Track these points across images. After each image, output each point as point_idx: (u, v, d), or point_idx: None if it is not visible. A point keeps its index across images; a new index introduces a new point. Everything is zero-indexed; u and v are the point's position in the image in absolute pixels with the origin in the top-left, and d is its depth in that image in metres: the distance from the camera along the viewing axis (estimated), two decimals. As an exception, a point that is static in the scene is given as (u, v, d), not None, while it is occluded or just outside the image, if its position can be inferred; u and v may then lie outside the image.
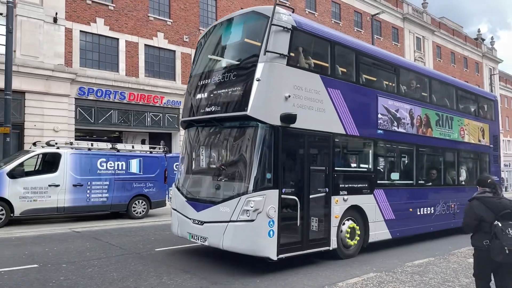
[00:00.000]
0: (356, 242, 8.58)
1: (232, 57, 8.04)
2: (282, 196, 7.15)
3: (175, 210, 8.28)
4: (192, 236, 7.69)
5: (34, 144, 13.80)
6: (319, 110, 7.88)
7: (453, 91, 12.36)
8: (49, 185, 12.14)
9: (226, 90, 7.57)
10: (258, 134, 7.14)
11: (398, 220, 9.66)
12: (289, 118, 7.11)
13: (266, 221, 6.85)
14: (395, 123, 9.74)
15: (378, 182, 9.27)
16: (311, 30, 7.99)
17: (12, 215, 11.54)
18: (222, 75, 7.79)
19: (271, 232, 6.90)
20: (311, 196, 7.70)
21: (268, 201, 6.89)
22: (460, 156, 12.36)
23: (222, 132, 7.84)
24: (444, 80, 12.18)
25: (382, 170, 9.72)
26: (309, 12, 31.81)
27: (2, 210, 11.44)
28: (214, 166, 7.92)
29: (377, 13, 29.71)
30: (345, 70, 8.83)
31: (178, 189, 8.28)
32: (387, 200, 9.38)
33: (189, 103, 8.48)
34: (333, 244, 8.05)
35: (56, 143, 13.09)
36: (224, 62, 8.07)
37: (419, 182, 10.59)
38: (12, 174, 11.58)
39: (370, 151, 9.21)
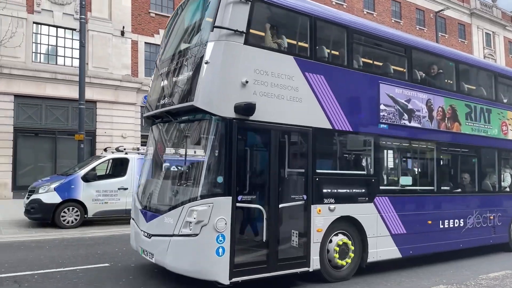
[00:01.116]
0: (349, 261, 6.98)
1: (189, 40, 6.83)
2: (238, 205, 5.81)
3: (132, 219, 7.19)
4: (143, 251, 6.54)
5: (105, 150, 14.57)
6: (292, 99, 6.43)
7: (492, 78, 10.22)
8: (118, 188, 12.68)
9: (178, 78, 6.38)
10: (207, 128, 5.90)
11: (410, 234, 7.87)
12: (246, 109, 5.76)
13: (213, 236, 5.54)
14: (406, 116, 7.98)
15: (381, 188, 7.58)
16: (282, 2, 6.56)
17: (85, 216, 12.22)
18: (176, 61, 6.61)
19: (220, 250, 5.57)
20: (281, 205, 6.26)
21: (217, 211, 5.57)
22: (502, 156, 10.17)
23: (176, 128, 6.65)
24: (479, 65, 10.07)
25: (387, 173, 8.02)
26: (367, 12, 30.72)
27: (77, 211, 12.08)
28: (165, 169, 6.72)
29: (441, 10, 27.56)
30: (332, 51, 7.28)
31: (137, 195, 7.19)
32: (395, 210, 7.65)
33: (149, 96, 7.39)
34: (315, 265, 6.53)
35: (125, 149, 13.65)
36: (181, 46, 6.88)
37: (442, 188, 8.68)
38: (86, 178, 12.22)
39: (369, 150, 7.55)
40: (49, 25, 19.62)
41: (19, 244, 9.49)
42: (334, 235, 6.91)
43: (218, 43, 5.89)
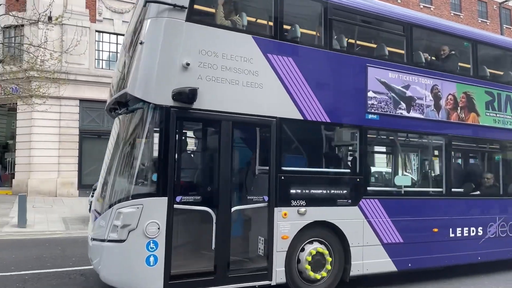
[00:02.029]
0: (325, 274, 5.96)
1: (132, 21, 6.15)
2: (178, 206, 5.02)
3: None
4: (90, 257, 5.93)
5: None
6: (250, 85, 5.55)
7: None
8: None
9: (120, 63, 5.73)
10: (142, 119, 5.18)
11: (409, 244, 6.67)
12: (185, 95, 4.98)
13: (143, 243, 4.81)
14: (403, 105, 6.79)
15: (369, 189, 6.46)
16: (237, -26, 5.70)
17: None
18: (124, 46, 5.96)
19: (152, 259, 4.83)
20: (235, 208, 5.42)
21: (147, 213, 4.83)
22: (536, 154, 8.59)
23: (120, 121, 5.98)
24: (503, 45, 8.54)
25: (377, 172, 6.88)
26: (424, 6, 29.20)
27: None
28: (108, 165, 6.06)
29: (506, 0, 25.20)
30: (305, 30, 6.28)
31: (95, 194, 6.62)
32: (387, 215, 6.50)
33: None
34: (279, 277, 5.59)
35: None
36: (129, 28, 6.21)
37: (454, 190, 7.35)
38: None
39: (354, 145, 6.47)
40: (109, 33, 20.41)
41: (84, 239, 9.31)
42: (307, 243, 5.92)
43: (154, 20, 5.15)
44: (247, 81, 5.52)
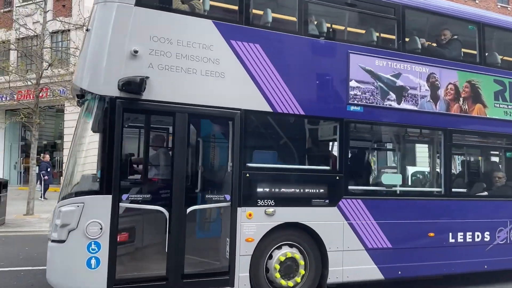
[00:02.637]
0: (299, 280, 5.44)
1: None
2: (125, 205, 4.68)
3: None
4: None
5: None
6: (210, 74, 5.12)
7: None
8: None
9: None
10: (88, 111, 4.88)
11: (398, 250, 6.02)
12: (133, 85, 4.62)
13: (83, 244, 4.49)
14: (392, 96, 6.12)
15: (351, 188, 5.85)
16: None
17: None
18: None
19: (93, 261, 4.50)
20: (192, 208, 5.00)
21: (88, 212, 4.51)
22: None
23: (79, 114, 5.69)
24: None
25: (362, 169, 6.25)
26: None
27: None
28: (67, 160, 5.78)
29: None
30: (275, 14, 5.75)
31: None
32: (373, 217, 5.88)
33: None
34: (242, 284, 5.13)
35: None
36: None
37: (455, 190, 6.60)
38: None
39: (333, 139, 5.89)
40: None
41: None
42: (278, 247, 5.42)
43: (102, 6, 4.84)
44: (206, 69, 5.09)
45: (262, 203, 5.27)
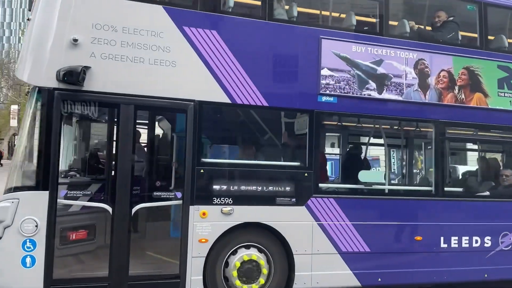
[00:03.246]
0: (261, 284, 5.02)
1: None
2: (62, 202, 4.47)
3: None
4: None
5: None
6: (160, 63, 4.81)
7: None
8: None
9: None
10: (29, 103, 4.69)
11: (378, 255, 5.45)
12: (72, 76, 4.39)
13: (18, 241, 4.33)
14: (372, 85, 5.54)
15: (323, 186, 5.37)
16: None
17: None
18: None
19: (28, 260, 4.33)
20: (139, 206, 4.71)
21: (23, 209, 4.34)
22: None
23: None
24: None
25: (336, 165, 5.70)
26: None
27: None
28: None
29: None
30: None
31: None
32: (348, 218, 5.35)
33: None
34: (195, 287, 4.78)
35: None
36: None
37: (448, 190, 5.91)
38: None
39: (301, 133, 5.40)
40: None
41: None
42: (238, 248, 5.03)
43: (42, -7, 4.62)
44: (155, 58, 4.78)
45: (218, 201, 4.90)
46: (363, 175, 5.54)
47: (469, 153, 6.81)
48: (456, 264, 5.79)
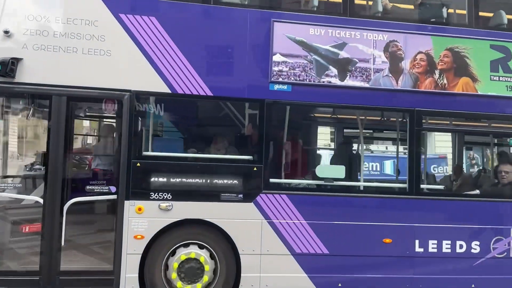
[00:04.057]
0: (200, 286, 4.72)
1: None
2: (-8, 193, 4.47)
3: None
4: None
5: None
6: (94, 53, 4.66)
7: None
8: None
9: None
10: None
11: (338, 257, 4.95)
12: (1, 67, 4.37)
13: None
14: (332, 71, 5.02)
15: (274, 181, 4.95)
16: None
17: None
18: None
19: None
20: (74, 200, 4.61)
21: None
22: None
23: None
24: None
25: (288, 159, 5.24)
26: None
27: None
28: None
29: None
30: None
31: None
32: (303, 216, 4.90)
33: None
34: (129, 286, 4.60)
35: None
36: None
37: (425, 188, 5.28)
38: None
39: (251, 124, 5.01)
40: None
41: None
42: (180, 246, 4.77)
43: (-23, -13, 4.63)
44: (89, 48, 4.64)
45: (156, 196, 4.67)
46: (321, 170, 5.05)
47: (456, 146, 5.99)
48: (435, 271, 5.13)
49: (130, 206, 4.61)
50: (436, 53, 5.23)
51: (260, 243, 4.83)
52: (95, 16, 4.67)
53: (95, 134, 5.34)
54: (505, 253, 5.25)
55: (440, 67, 5.22)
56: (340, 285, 4.95)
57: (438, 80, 5.21)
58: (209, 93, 4.83)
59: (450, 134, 5.64)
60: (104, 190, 4.68)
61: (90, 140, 5.36)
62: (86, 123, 5.14)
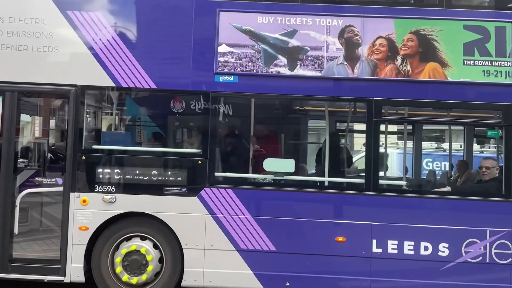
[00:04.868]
0: (145, 278, 4.74)
1: None
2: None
3: None
4: None
5: None
6: (42, 50, 4.85)
7: None
8: None
9: None
10: None
11: (286, 255, 4.73)
12: None
13: None
14: (282, 61, 4.78)
15: (219, 175, 4.83)
16: None
17: None
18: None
19: None
20: (25, 192, 4.84)
21: None
22: None
23: None
24: None
25: (234, 153, 5.05)
26: None
27: None
28: None
29: None
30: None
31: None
32: (249, 211, 4.75)
33: None
34: (75, 275, 4.75)
35: None
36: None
37: (385, 184, 4.88)
38: None
39: (196, 117, 4.92)
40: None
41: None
42: (127, 238, 4.84)
43: None
44: (38, 45, 4.82)
45: (100, 189, 4.76)
46: (269, 164, 4.84)
47: (424, 139, 5.42)
48: (396, 274, 4.73)
49: (75, 198, 4.75)
50: (399, 37, 4.80)
51: (204, 237, 4.75)
52: (44, 15, 4.84)
53: (50, 128, 5.55)
54: (480, 257, 4.70)
55: (403, 53, 4.79)
56: (288, 284, 4.73)
57: (401, 66, 4.78)
58: (154, 86, 4.82)
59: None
60: (51, 182, 4.85)
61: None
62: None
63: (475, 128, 5.62)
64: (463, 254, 4.70)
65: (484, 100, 4.80)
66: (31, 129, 5.41)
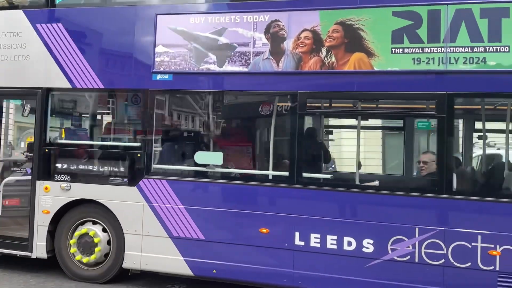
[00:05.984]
0: (94, 258, 5.31)
1: None
2: None
3: None
4: None
5: None
6: (18, 58, 5.70)
7: None
8: None
9: None
10: None
11: (214, 244, 4.94)
12: None
13: None
14: (211, 58, 5.00)
15: (156, 167, 5.20)
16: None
17: None
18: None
19: None
20: (6, 180, 5.78)
21: None
22: None
23: None
24: None
25: (169, 146, 5.32)
26: None
27: None
28: None
29: None
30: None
31: None
32: (180, 201, 5.05)
33: None
34: (39, 252, 5.48)
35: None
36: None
37: (308, 176, 4.79)
38: None
39: (135, 113, 5.32)
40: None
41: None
42: (81, 223, 5.46)
43: None
44: (15, 55, 5.67)
45: (59, 178, 5.44)
46: (199, 157, 5.08)
47: (350, 131, 5.09)
48: (319, 268, 4.67)
49: (39, 186, 5.48)
50: (324, 29, 4.74)
51: (142, 224, 5.16)
52: (20, 28, 5.68)
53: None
54: (409, 256, 4.44)
55: (328, 44, 4.72)
56: (215, 271, 4.93)
57: (325, 58, 4.72)
58: (101, 86, 5.38)
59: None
60: (23, 172, 5.65)
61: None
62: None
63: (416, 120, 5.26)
64: (389, 251, 4.49)
65: (415, 89, 4.53)
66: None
